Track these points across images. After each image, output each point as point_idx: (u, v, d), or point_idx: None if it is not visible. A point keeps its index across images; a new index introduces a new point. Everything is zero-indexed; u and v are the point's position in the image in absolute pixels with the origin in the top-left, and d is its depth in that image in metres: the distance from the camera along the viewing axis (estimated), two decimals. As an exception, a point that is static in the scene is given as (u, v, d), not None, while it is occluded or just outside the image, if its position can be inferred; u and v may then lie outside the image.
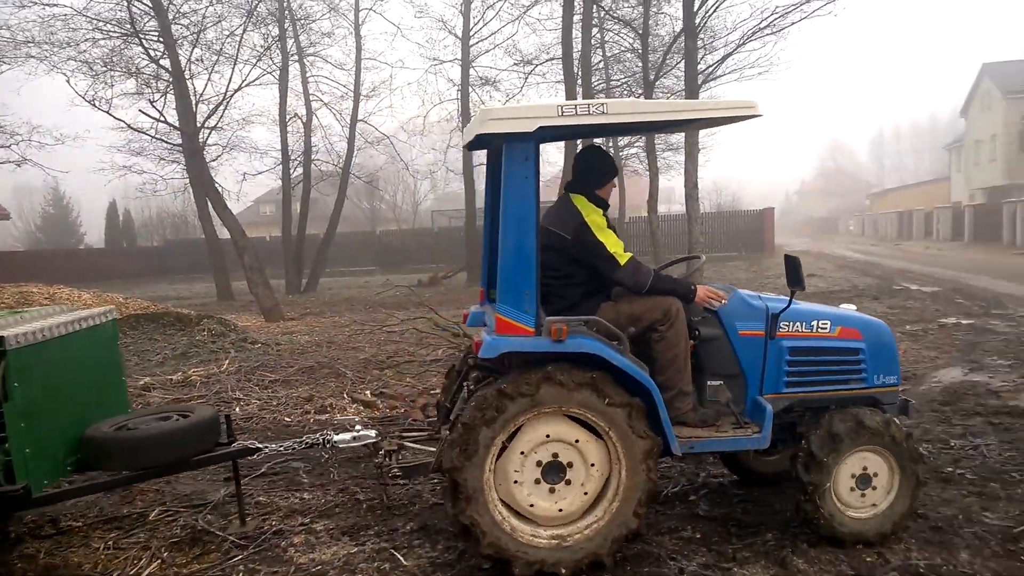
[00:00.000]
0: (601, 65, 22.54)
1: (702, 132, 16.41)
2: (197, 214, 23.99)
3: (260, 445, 4.60)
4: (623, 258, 4.02)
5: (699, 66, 13.35)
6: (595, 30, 18.12)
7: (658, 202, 14.71)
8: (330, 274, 30.49)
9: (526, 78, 21.40)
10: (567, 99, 15.41)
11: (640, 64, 16.13)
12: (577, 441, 3.75)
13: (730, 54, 13.80)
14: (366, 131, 25.51)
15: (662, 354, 4.04)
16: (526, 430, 3.72)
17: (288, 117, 23.03)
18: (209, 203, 19.15)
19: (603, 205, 4.21)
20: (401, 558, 4.14)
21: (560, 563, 3.69)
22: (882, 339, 4.33)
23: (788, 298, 4.17)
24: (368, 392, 8.26)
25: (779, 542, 4.17)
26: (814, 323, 4.25)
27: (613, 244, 4.04)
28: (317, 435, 4.73)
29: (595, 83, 20.46)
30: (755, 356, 4.16)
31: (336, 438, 4.63)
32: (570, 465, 3.77)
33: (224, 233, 18.98)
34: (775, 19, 12.41)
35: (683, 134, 13.95)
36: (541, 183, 3.93)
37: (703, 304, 4.20)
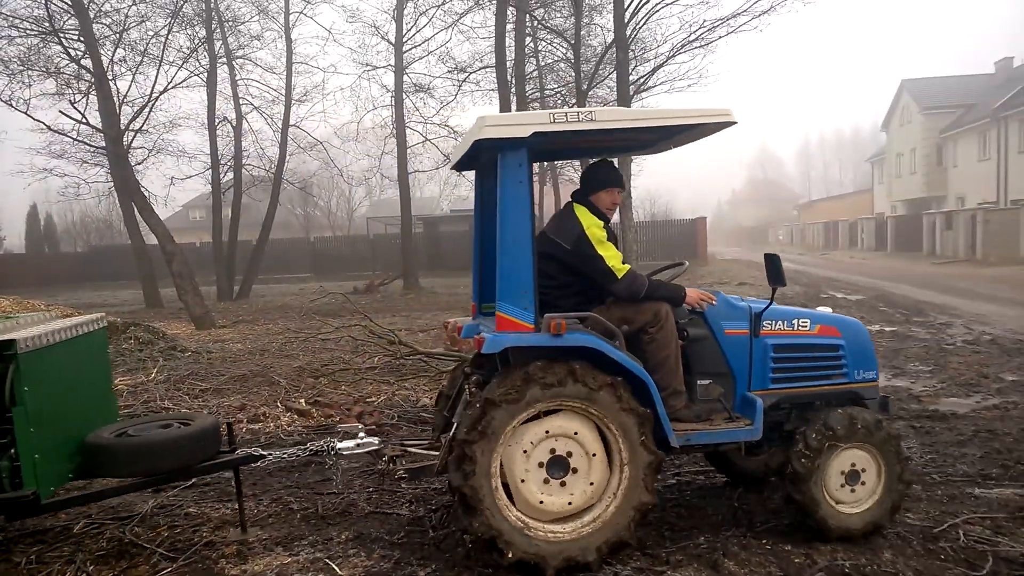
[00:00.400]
0: (535, 74, 22.73)
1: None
2: (123, 219, 23.11)
3: (264, 452, 4.60)
4: (620, 271, 4.14)
5: (631, 77, 13.58)
6: (528, 39, 18.26)
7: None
8: (263, 281, 29.82)
9: (460, 85, 21.41)
10: (501, 106, 15.49)
11: (573, 74, 16.32)
12: (576, 433, 3.86)
13: (660, 66, 14.11)
14: (299, 136, 25.13)
15: (654, 355, 4.15)
16: (522, 432, 3.81)
17: (217, 121, 22.43)
18: (135, 208, 18.46)
19: (604, 217, 4.33)
20: (336, 567, 4.06)
21: (586, 551, 3.82)
22: (859, 336, 4.52)
23: (769, 298, 4.35)
24: (303, 401, 8.09)
25: (711, 545, 4.23)
26: (795, 321, 4.44)
27: (611, 257, 4.15)
28: (321, 443, 4.71)
29: (529, 92, 20.61)
30: (741, 354, 4.33)
31: (340, 445, 4.64)
32: (570, 455, 3.86)
33: (152, 239, 18.32)
34: (703, 33, 12.74)
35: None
36: None
37: (695, 305, 4.33)
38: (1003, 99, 36.68)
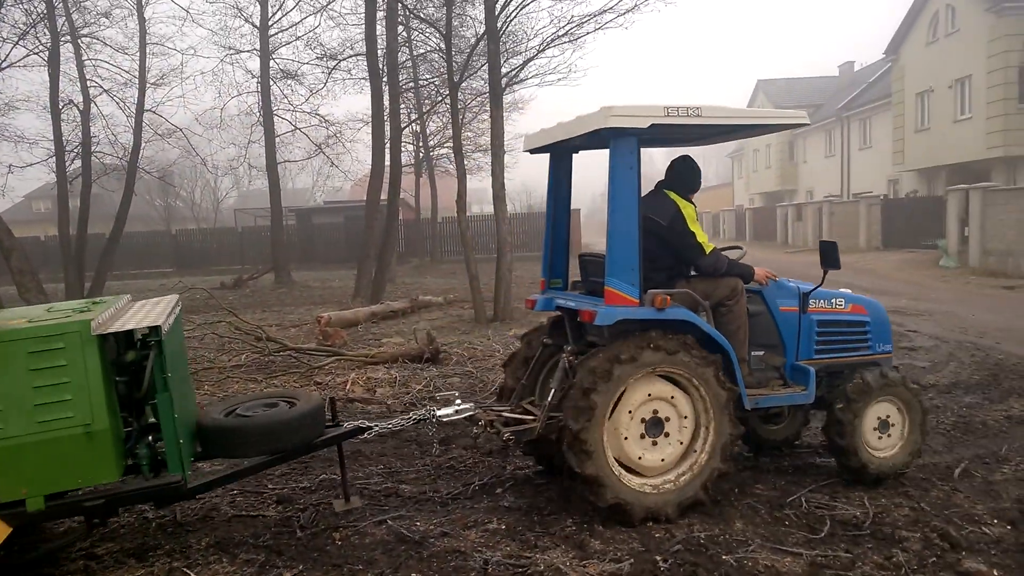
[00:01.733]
0: (409, 64, 22.46)
1: (508, 134, 17.09)
2: (-49, 211, 20.91)
3: (370, 424, 4.72)
4: (708, 248, 4.65)
5: (503, 69, 13.68)
6: (401, 28, 18.01)
7: (469, 203, 14.90)
8: (119, 277, 27.89)
9: (330, 73, 20.75)
10: (373, 96, 15.19)
11: (446, 64, 16.26)
12: (672, 397, 4.31)
13: (531, 59, 14.25)
14: (156, 122, 23.54)
15: (728, 326, 4.61)
16: (631, 391, 4.23)
17: (61, 104, 20.65)
18: (-35, 198, 16.73)
19: (691, 202, 4.81)
20: (193, 577, 3.87)
21: (667, 506, 4.26)
22: (880, 314, 5.15)
23: (820, 282, 4.97)
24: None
25: (579, 527, 4.35)
26: (833, 300, 5.04)
27: (701, 235, 4.67)
28: (423, 411, 4.85)
29: (403, 81, 20.34)
30: (792, 329, 4.88)
31: (439, 413, 4.78)
32: (667, 420, 4.31)
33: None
34: (572, 28, 13.01)
35: (487, 134, 14.47)
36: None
37: (761, 282, 4.87)
38: (845, 100, 39.81)
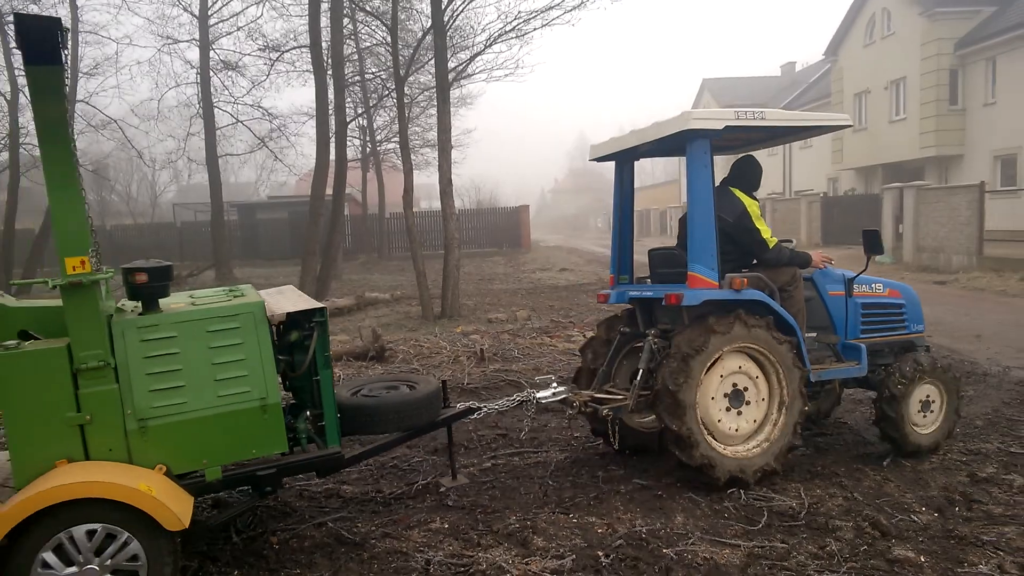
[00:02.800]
0: (355, 56, 22.13)
1: (456, 129, 16.99)
2: None
3: (480, 405, 5.03)
4: (772, 243, 5.08)
5: (450, 64, 13.58)
6: (347, 20, 17.70)
7: (418, 198, 14.76)
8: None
9: (272, 64, 20.28)
10: (317, 89, 14.90)
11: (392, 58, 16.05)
12: (756, 376, 4.78)
13: (478, 54, 14.22)
14: (89, 113, 22.73)
15: (788, 309, 4.96)
16: (721, 361, 4.67)
17: (-11, 93, 19.81)
18: None
19: (755, 199, 5.20)
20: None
21: (747, 471, 4.65)
22: (913, 297, 5.64)
23: (863, 268, 5.40)
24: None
25: (522, 524, 4.34)
26: (873, 285, 5.48)
27: (765, 231, 5.07)
28: (524, 392, 5.23)
29: (348, 74, 20.03)
30: (840, 311, 5.33)
31: (539, 395, 5.14)
32: (746, 390, 4.77)
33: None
34: (519, 24, 13.00)
35: (435, 129, 14.36)
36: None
37: (819, 266, 5.30)
38: (787, 100, 40.74)
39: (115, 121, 22.58)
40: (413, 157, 29.10)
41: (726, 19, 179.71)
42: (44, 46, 3.03)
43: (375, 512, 4.64)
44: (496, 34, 13.39)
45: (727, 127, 4.60)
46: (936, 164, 26.50)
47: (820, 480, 4.91)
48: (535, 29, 13.30)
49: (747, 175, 5.31)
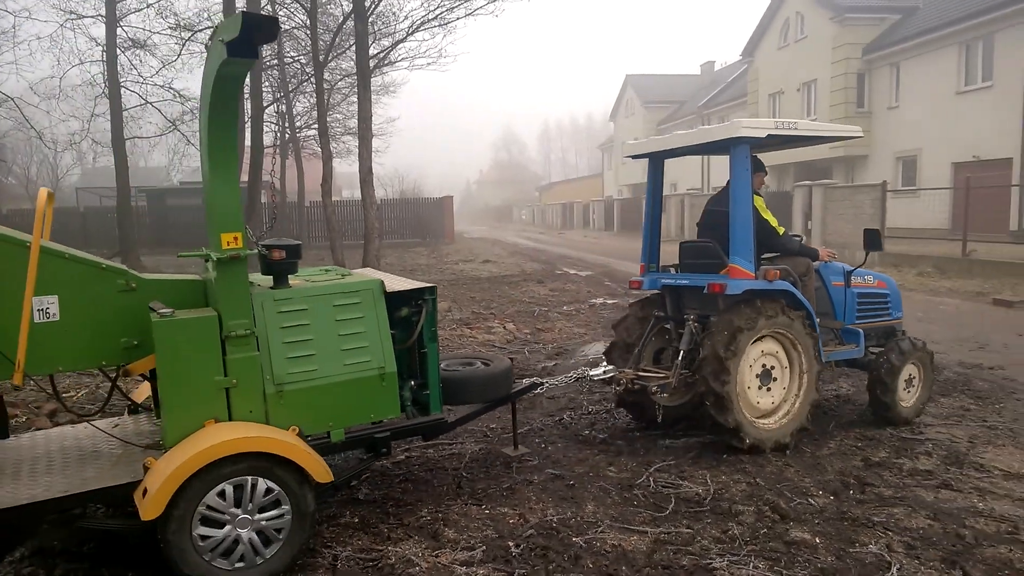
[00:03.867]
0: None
1: (379, 117, 16.72)
2: None
3: (542, 381, 5.64)
4: (780, 231, 5.71)
5: (371, 50, 13.33)
6: (264, 1, 17.14)
7: (339, 187, 14.45)
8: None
9: (184, 44, 19.42)
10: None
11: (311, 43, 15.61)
12: (777, 353, 5.34)
13: (400, 41, 14.06)
14: (-17, 90, 21.28)
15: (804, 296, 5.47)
16: (751, 349, 5.18)
17: None
18: None
19: (759, 193, 5.63)
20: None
21: (785, 436, 5.25)
22: (895, 287, 6.36)
23: (862, 262, 6.10)
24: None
25: (433, 516, 4.31)
26: (866, 277, 6.12)
27: (772, 220, 5.65)
28: (579, 370, 5.88)
29: (265, 57, 19.40)
30: (840, 300, 5.96)
31: (591, 372, 5.67)
32: (773, 368, 5.33)
33: None
34: (442, 12, 12.86)
35: (356, 117, 14.10)
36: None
37: (826, 259, 5.89)
38: (706, 98, 41.89)
39: (12, 99, 21.21)
40: (334, 145, 28.51)
41: (649, 16, 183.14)
42: (256, 41, 3.24)
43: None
44: (419, 21, 13.23)
45: (769, 135, 5.17)
46: (843, 164, 27.74)
47: (726, 467, 5.06)
48: (458, 18, 13.21)
49: (755, 171, 5.75)
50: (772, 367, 5.33)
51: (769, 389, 5.33)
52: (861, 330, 5.92)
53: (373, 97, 12.69)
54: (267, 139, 22.82)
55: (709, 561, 3.72)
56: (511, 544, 3.93)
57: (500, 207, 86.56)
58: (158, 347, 3.52)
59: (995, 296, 12.89)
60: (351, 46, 15.98)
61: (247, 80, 16.12)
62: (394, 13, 15.82)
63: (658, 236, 6.25)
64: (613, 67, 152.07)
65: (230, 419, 3.69)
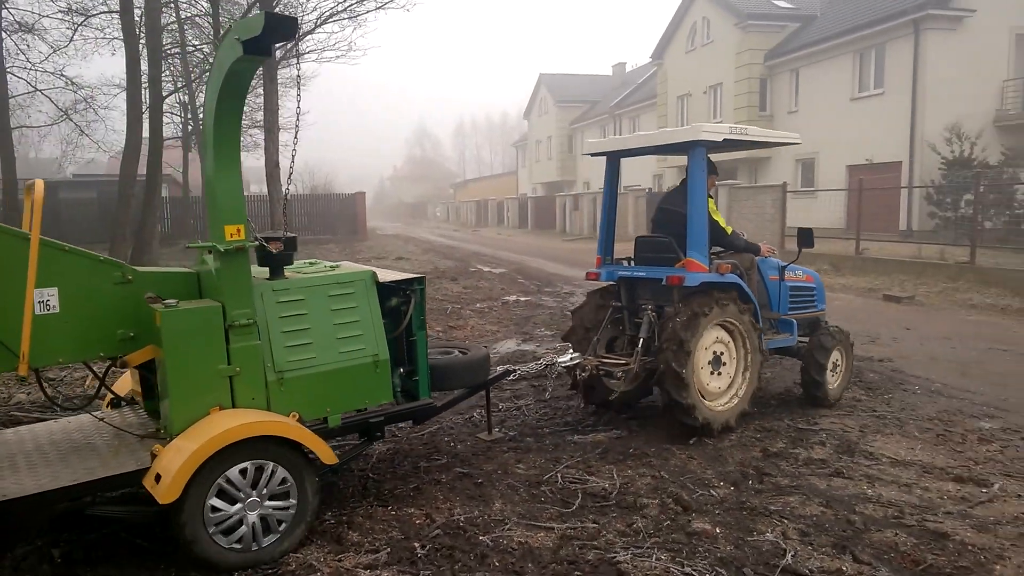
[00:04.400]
0: (174, 26, 20.47)
1: (287, 111, 16.17)
2: None
3: (514, 368, 6.04)
4: (729, 230, 6.11)
5: (278, 40, 12.92)
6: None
7: (249, 181, 13.94)
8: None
9: (76, 29, 18.29)
10: (128, 59, 13.67)
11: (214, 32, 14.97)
12: (728, 343, 5.72)
13: (308, 33, 13.63)
14: None
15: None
16: (705, 336, 5.52)
17: None
18: None
19: (709, 194, 5.89)
20: None
21: (732, 418, 5.64)
22: (819, 281, 6.94)
23: (795, 258, 6.60)
24: None
25: (337, 519, 4.19)
26: (796, 272, 6.64)
27: (721, 220, 6.02)
28: (548, 357, 6.29)
29: (166, 45, 18.50)
30: (776, 292, 6.42)
31: (559, 360, 6.00)
32: (722, 354, 5.69)
33: None
34: (352, 4, 12.58)
35: (262, 109, 13.63)
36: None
37: (766, 255, 6.35)
38: (618, 99, 42.67)
39: None
40: (241, 138, 27.54)
41: (563, 16, 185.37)
42: (273, 40, 3.42)
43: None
44: (328, 13, 12.90)
45: (725, 139, 5.61)
46: (747, 165, 28.81)
47: (632, 461, 5.13)
48: (369, 11, 12.95)
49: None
50: (722, 353, 5.70)
51: (719, 374, 5.69)
52: (794, 320, 6.40)
53: (281, 90, 12.33)
54: (169, 131, 21.84)
55: (614, 555, 3.75)
56: (417, 545, 3.86)
57: (414, 204, 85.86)
58: (165, 337, 3.61)
59: (885, 292, 13.64)
60: (257, 36, 15.41)
61: (144, 68, 15.38)
62: (301, 4, 15.42)
63: (613, 230, 6.58)
64: (527, 66, 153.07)
65: (233, 406, 3.81)
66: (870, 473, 4.94)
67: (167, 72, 19.84)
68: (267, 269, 4.25)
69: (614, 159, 6.55)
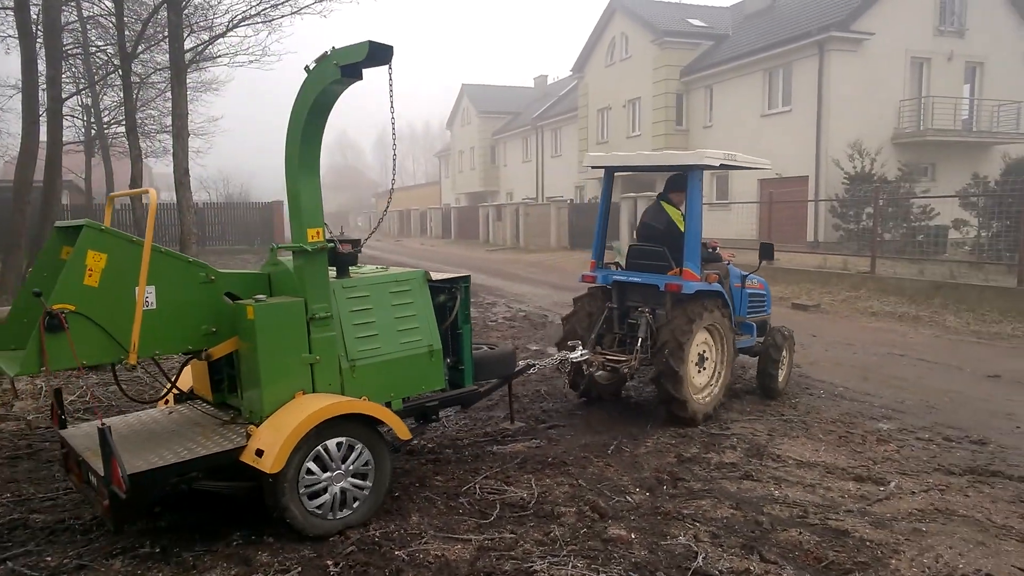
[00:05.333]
0: (76, 25, 19.49)
1: (200, 116, 15.62)
2: None
3: (533, 363, 6.12)
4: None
5: (188, 43, 12.47)
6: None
7: (160, 188, 13.35)
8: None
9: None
10: (23, 59, 12.90)
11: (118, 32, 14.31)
12: (710, 344, 6.43)
13: (219, 36, 13.22)
14: None
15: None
16: (695, 338, 6.15)
17: None
18: None
19: (679, 209, 6.72)
20: None
21: (697, 412, 6.17)
22: (768, 289, 7.77)
23: (756, 268, 7.45)
24: None
25: (246, 540, 4.03)
26: (753, 280, 7.38)
27: None
28: (561, 353, 6.42)
29: (67, 45, 17.56)
30: (738, 298, 7.06)
31: (571, 356, 6.31)
32: (706, 353, 6.39)
33: None
34: (266, 9, 12.28)
35: (170, 110, 13.11)
36: None
37: (727, 262, 7.08)
38: (540, 111, 43.12)
39: None
40: (150, 143, 26.46)
41: (485, 27, 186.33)
42: (371, 65, 3.91)
43: (71, 542, 4.05)
44: (240, 17, 12.53)
45: (721, 164, 6.31)
46: (665, 179, 29.50)
47: (550, 470, 5.15)
48: (284, 16, 12.67)
49: (672, 189, 6.84)
50: (705, 352, 6.38)
51: (703, 370, 6.36)
52: (754, 323, 7.25)
53: (193, 94, 11.91)
54: (71, 134, 20.76)
55: (530, 564, 3.74)
56: (330, 563, 3.75)
57: (336, 213, 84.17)
58: (258, 328, 4.04)
59: (794, 301, 14.21)
60: (165, 38, 14.86)
61: (42, 68, 14.57)
62: (212, 6, 14.86)
63: (605, 238, 7.22)
64: (450, 76, 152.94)
65: (314, 391, 4.26)
66: (777, 475, 5.10)
67: (68, 73, 18.87)
68: (335, 269, 4.66)
69: (610, 173, 7.30)
